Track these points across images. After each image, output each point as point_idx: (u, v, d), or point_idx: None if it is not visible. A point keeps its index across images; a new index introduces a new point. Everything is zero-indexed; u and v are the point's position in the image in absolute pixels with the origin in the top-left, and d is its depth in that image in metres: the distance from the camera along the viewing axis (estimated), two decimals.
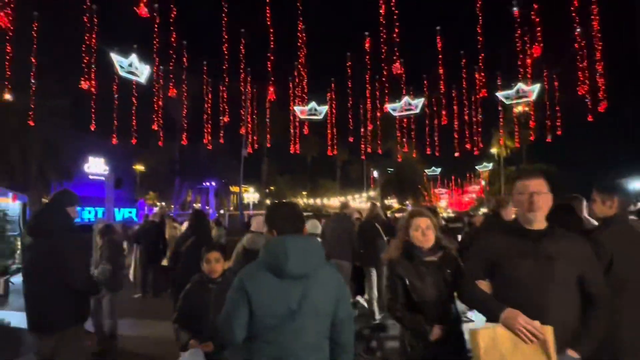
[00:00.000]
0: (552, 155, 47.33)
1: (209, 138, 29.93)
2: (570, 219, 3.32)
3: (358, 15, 68.74)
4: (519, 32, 19.76)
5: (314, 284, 2.03)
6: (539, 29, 20.18)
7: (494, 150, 54.38)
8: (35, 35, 19.36)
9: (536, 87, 22.88)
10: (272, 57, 18.23)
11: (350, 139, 32.22)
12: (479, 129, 34.12)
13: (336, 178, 65.29)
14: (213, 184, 36.15)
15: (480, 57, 23.05)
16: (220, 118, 28.19)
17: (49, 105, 24.16)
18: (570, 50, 21.78)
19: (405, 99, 24.62)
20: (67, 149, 26.65)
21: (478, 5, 17.38)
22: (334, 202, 52.71)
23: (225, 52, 19.62)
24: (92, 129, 23.77)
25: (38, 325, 3.29)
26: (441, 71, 21.27)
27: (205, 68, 24.79)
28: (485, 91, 21.49)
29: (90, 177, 31.55)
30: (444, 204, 71.54)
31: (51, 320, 3.23)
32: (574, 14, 14.76)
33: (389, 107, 25.88)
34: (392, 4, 16.09)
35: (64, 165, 27.10)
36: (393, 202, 52.49)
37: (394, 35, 16.75)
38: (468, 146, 32.82)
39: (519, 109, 39.09)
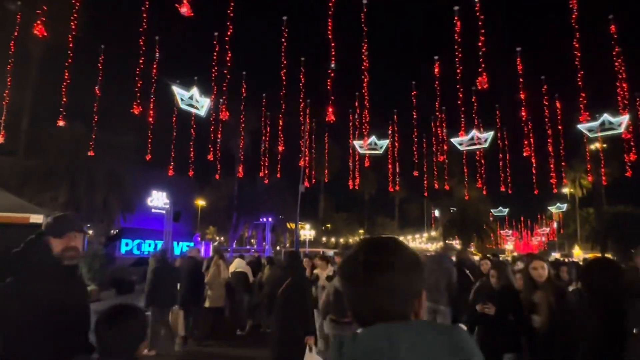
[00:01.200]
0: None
1: (266, 172, 29.60)
2: (605, 276, 3.03)
3: (425, 42, 66.76)
4: (616, 50, 17.71)
5: None
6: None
7: (566, 190, 50.38)
8: (101, 67, 20.14)
9: (625, 119, 20.55)
10: (332, 78, 17.22)
11: (415, 173, 30.41)
12: (562, 164, 31.24)
13: (394, 216, 63.30)
14: (270, 219, 35.71)
15: (567, 84, 21.07)
16: (278, 152, 27.80)
17: (116, 138, 25.03)
18: None
19: (474, 131, 23.01)
20: (131, 182, 27.29)
21: (573, 18, 15.61)
22: None
23: (284, 82, 19.15)
24: (151, 160, 24.19)
25: None
26: (521, 97, 19.44)
27: (264, 100, 24.60)
28: (582, 117, 19.29)
29: (153, 210, 32.22)
30: (511, 246, 66.89)
31: None
32: None
33: (454, 140, 24.32)
34: (477, 12, 14.71)
35: (128, 197, 27.70)
36: (456, 243, 49.49)
37: (480, 48, 15.16)
38: (552, 181, 29.98)
39: (596, 145, 35.82)
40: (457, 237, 49.63)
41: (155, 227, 31.25)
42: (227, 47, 16.51)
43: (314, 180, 30.00)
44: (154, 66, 17.38)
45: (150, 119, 20.62)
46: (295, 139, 27.28)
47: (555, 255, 44.87)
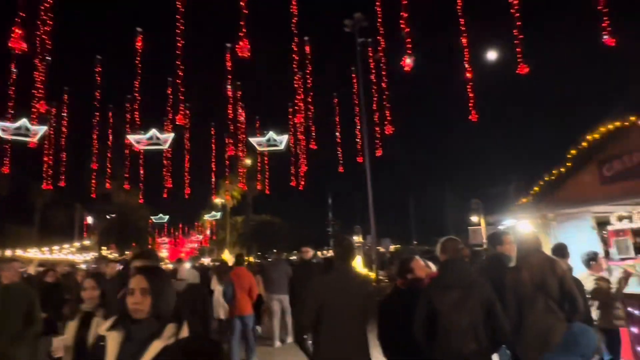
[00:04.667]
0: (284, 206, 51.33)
1: None
2: None
3: None
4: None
5: None
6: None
7: (218, 201, 54.84)
8: None
9: (285, 137, 23.72)
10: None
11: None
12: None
13: (33, 224, 52.65)
14: None
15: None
16: None
17: None
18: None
19: (153, 131, 21.72)
20: None
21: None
22: (33, 253, 41.38)
23: None
24: None
25: None
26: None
27: None
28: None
29: None
30: (166, 254, 67.18)
31: None
32: None
33: (130, 137, 22.26)
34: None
35: None
36: (111, 252, 45.40)
37: None
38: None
39: (247, 161, 40.25)
40: (114, 246, 45.77)
41: None
42: None
43: None
44: None
45: None
46: None
47: (206, 259, 47.43)
